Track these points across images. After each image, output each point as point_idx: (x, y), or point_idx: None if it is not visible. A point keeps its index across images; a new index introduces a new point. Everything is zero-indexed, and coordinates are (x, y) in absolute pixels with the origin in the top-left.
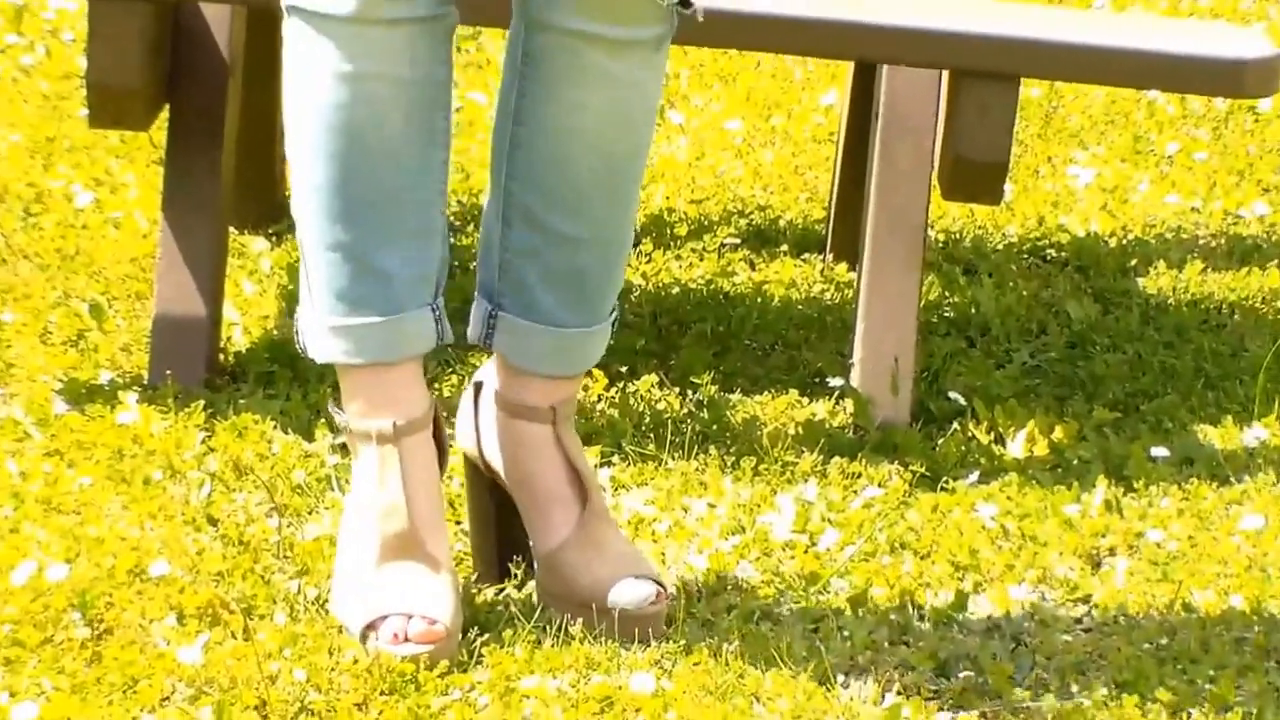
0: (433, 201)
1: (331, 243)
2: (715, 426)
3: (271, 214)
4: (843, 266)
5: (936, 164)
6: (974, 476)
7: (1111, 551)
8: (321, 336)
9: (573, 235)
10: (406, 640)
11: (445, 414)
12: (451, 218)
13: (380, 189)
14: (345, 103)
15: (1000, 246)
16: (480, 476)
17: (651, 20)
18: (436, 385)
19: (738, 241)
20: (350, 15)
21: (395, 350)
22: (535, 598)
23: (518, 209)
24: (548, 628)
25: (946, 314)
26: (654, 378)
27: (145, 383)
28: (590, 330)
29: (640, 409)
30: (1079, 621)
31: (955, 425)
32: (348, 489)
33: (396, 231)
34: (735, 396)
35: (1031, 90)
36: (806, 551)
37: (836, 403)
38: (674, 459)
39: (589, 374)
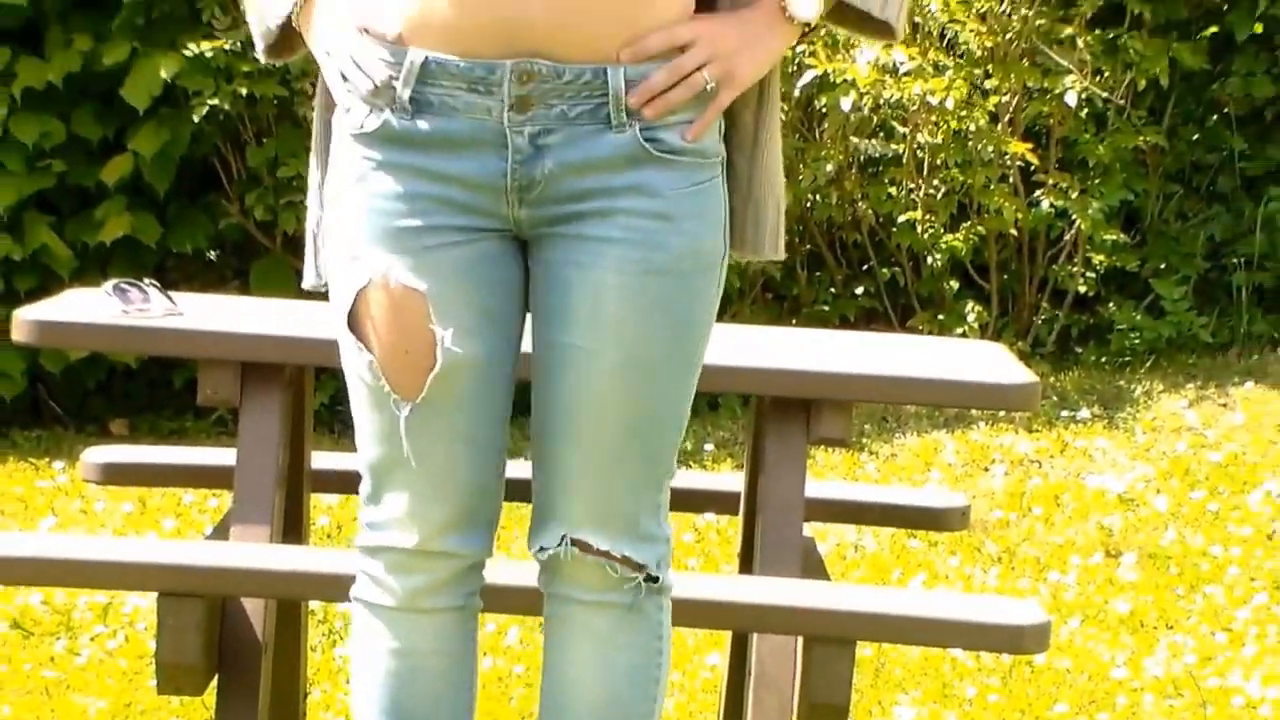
0: None
1: None
2: None
3: None
4: None
5: (795, 708)
6: None
7: None
8: None
9: None
10: None
11: None
12: None
13: None
14: (393, 670)
15: None
16: None
17: (613, 587)
18: None
19: None
20: (397, 606)
21: None
22: None
23: None
24: None
25: None
26: None
27: None
28: None
29: None
30: None
31: None
32: None
33: None
34: None
35: (864, 650)
36: None
37: None
38: None
39: None
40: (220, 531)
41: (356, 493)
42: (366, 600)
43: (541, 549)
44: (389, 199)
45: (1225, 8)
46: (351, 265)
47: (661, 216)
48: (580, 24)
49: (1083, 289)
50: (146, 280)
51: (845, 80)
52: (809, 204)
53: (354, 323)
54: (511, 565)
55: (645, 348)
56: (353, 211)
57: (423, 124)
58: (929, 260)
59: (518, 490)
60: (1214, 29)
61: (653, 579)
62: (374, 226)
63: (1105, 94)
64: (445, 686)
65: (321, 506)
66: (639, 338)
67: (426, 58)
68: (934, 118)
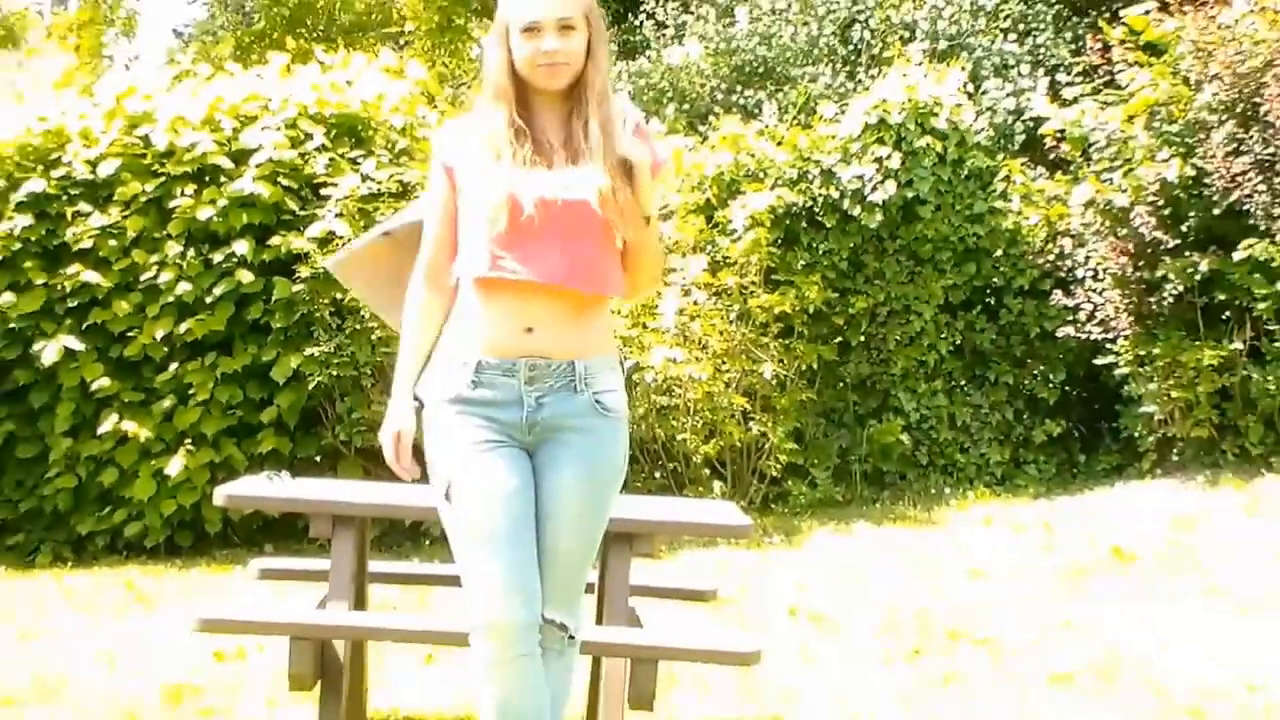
0: None
1: None
2: None
3: None
4: None
5: (625, 697)
6: None
7: None
8: None
9: None
10: None
11: None
12: None
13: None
14: (496, 688)
15: None
16: None
17: (554, 642)
18: None
19: None
20: (493, 655)
21: None
22: None
23: None
24: None
25: None
26: None
27: None
28: None
29: None
30: None
31: None
32: None
33: None
34: None
35: (665, 668)
36: None
37: None
38: None
39: None
40: (321, 605)
41: (395, 584)
42: (481, 658)
43: None
44: (465, 430)
45: (845, 327)
46: (453, 467)
47: (598, 445)
48: (560, 344)
49: (775, 474)
50: (283, 471)
51: (650, 364)
52: (631, 431)
53: (457, 495)
54: None
55: (587, 514)
56: (448, 441)
57: (480, 393)
58: (694, 459)
59: None
60: (840, 338)
61: (572, 637)
62: (461, 445)
63: (785, 372)
64: (528, 696)
65: (376, 591)
66: (584, 508)
67: (480, 360)
68: (695, 385)
